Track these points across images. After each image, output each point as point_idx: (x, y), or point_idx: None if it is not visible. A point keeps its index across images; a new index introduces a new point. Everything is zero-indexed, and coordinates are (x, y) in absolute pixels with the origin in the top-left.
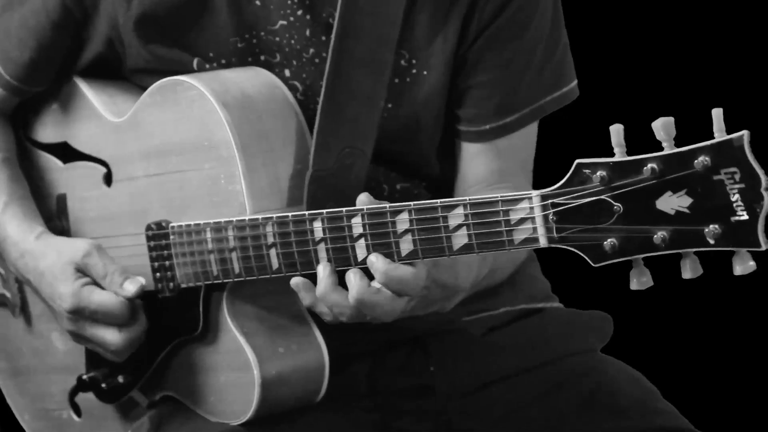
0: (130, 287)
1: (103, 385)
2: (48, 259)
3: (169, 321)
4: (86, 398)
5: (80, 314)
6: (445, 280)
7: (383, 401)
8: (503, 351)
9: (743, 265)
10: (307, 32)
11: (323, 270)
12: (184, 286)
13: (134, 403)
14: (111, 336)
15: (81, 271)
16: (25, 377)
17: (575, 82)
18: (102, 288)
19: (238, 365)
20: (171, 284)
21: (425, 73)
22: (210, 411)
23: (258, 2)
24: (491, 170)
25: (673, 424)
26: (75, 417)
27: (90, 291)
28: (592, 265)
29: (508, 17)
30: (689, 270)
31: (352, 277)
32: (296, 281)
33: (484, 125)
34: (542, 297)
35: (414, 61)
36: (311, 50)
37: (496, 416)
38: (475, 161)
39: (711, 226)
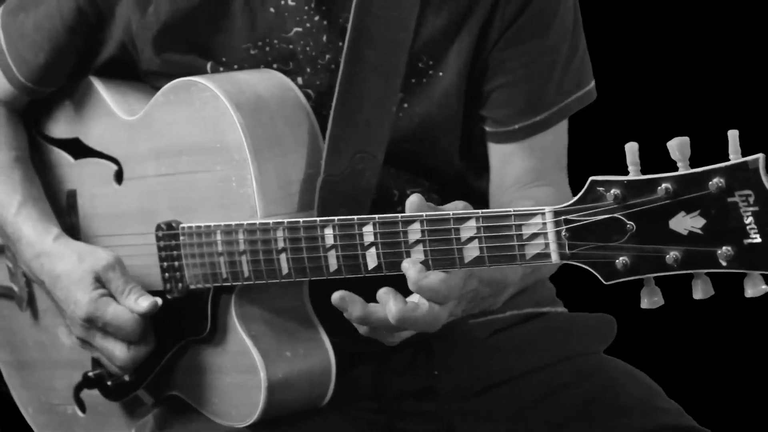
0: (144, 303)
1: (109, 383)
2: (66, 263)
3: (177, 321)
4: (91, 394)
5: (93, 324)
6: (491, 277)
7: (387, 403)
8: (506, 353)
9: (755, 288)
10: (324, 38)
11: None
12: (192, 287)
13: (139, 401)
14: (119, 351)
15: (100, 281)
16: (30, 370)
17: (593, 82)
18: (117, 302)
19: (245, 368)
20: (180, 285)
21: (441, 74)
22: (215, 412)
23: (272, 9)
24: (526, 169)
25: (677, 421)
26: (79, 413)
27: (106, 303)
28: (604, 282)
29: (530, 16)
30: (701, 291)
31: (390, 299)
32: (340, 296)
33: (514, 125)
34: (547, 301)
35: (431, 63)
36: (327, 56)
37: (499, 418)
38: (510, 162)
39: (724, 247)
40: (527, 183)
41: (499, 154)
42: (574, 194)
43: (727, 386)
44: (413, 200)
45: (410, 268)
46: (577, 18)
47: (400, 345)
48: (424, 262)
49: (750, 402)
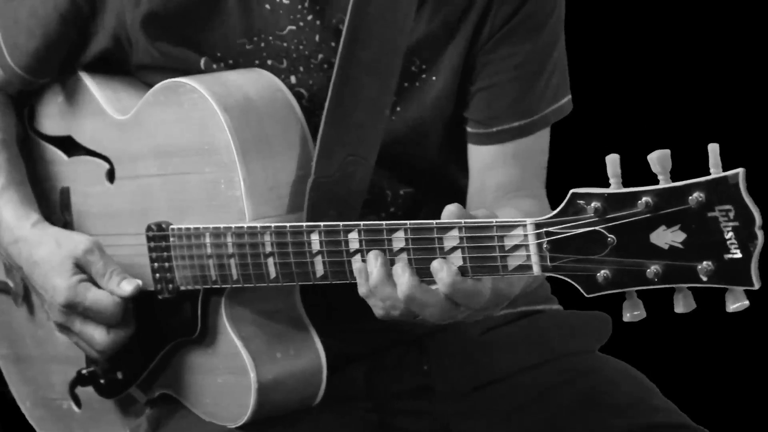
0: (127, 287)
1: (102, 381)
2: (44, 249)
3: (168, 321)
4: (87, 391)
5: (73, 309)
6: (501, 289)
7: (381, 402)
8: (500, 351)
9: (736, 303)
10: (317, 38)
11: (375, 260)
12: (183, 288)
13: (133, 399)
14: (99, 335)
15: (80, 266)
16: (27, 365)
17: (570, 95)
18: (98, 286)
19: (235, 369)
20: (170, 286)
21: (434, 78)
22: (207, 412)
23: (267, 6)
24: (509, 176)
25: (672, 420)
26: (75, 408)
27: (86, 287)
28: (585, 295)
29: (521, 19)
30: (682, 305)
31: (401, 271)
32: (359, 267)
33: (494, 127)
34: (542, 299)
35: (424, 67)
36: (320, 56)
37: (494, 416)
38: (492, 167)
39: (704, 262)
40: (509, 191)
41: (479, 156)
42: (554, 207)
43: (723, 384)
44: (452, 210)
45: (443, 269)
46: (561, 28)
47: (393, 344)
48: None
49: (746, 400)
